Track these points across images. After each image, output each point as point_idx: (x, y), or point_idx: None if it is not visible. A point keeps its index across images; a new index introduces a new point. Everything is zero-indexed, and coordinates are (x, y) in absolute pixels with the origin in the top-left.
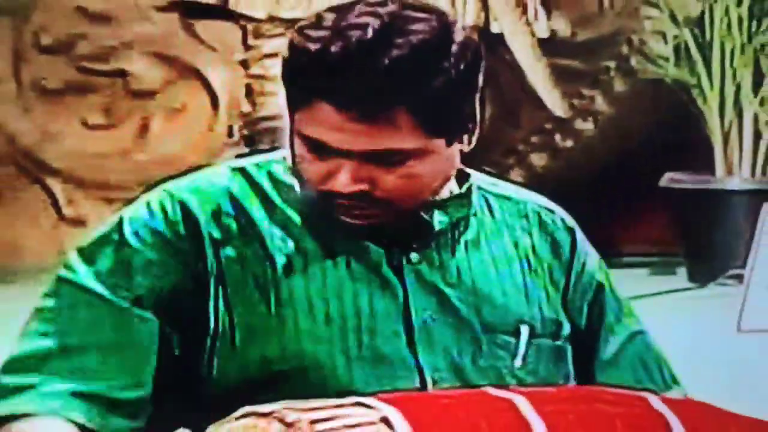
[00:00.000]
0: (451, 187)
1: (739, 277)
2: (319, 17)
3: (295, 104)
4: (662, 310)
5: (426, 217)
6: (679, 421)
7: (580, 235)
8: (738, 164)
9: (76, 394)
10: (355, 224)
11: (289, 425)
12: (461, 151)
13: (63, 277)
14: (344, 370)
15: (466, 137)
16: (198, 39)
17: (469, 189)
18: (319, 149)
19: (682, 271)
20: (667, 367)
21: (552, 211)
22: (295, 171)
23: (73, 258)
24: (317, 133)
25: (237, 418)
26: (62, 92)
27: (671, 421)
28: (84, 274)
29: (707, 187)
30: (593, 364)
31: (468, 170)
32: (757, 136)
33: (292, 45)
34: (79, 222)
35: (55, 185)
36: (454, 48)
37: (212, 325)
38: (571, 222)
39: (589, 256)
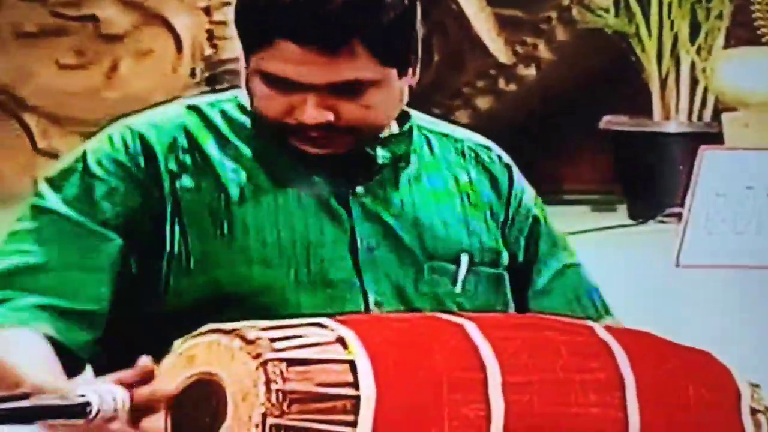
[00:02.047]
0: (392, 127)
1: (678, 216)
2: None
3: (253, 46)
4: (603, 246)
5: (370, 151)
6: (622, 348)
7: (516, 171)
8: (675, 109)
9: (43, 307)
10: (316, 154)
11: (250, 342)
12: (410, 87)
13: (34, 203)
14: (293, 293)
15: (411, 70)
16: None
17: (410, 128)
18: (282, 85)
19: (622, 209)
20: (599, 298)
21: (489, 149)
22: (253, 109)
23: (43, 186)
24: (280, 70)
25: (201, 334)
26: (38, 35)
27: (614, 348)
28: (53, 200)
29: (645, 129)
30: (527, 294)
31: (409, 110)
32: (694, 82)
33: None
34: (52, 154)
35: (31, 120)
36: None
37: (168, 248)
38: (507, 159)
39: (526, 192)
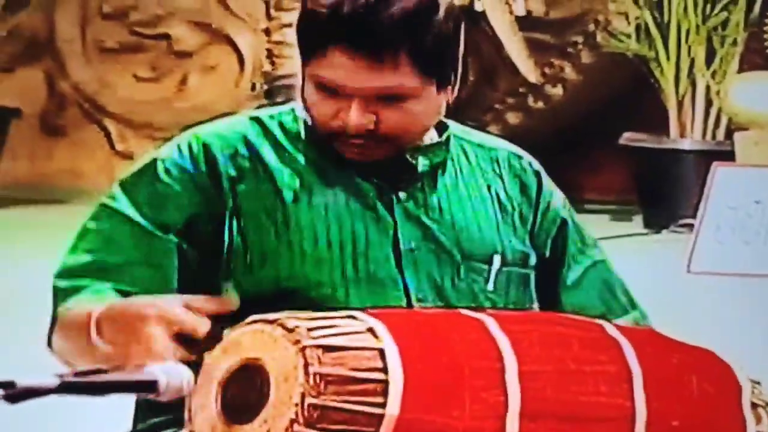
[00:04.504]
0: (432, 136)
1: (690, 226)
2: None
3: (310, 54)
4: (620, 252)
5: (411, 160)
6: (630, 344)
7: (545, 177)
8: (690, 128)
9: (120, 292)
10: (357, 160)
11: (290, 330)
12: (447, 103)
13: (105, 204)
14: (342, 289)
15: (449, 88)
16: (229, 10)
17: (448, 138)
18: (332, 90)
19: (638, 219)
20: (628, 292)
21: (520, 157)
22: (305, 116)
23: (116, 188)
24: (331, 75)
25: (247, 324)
26: (118, 51)
27: (623, 343)
28: (123, 203)
29: (661, 146)
30: (558, 289)
31: (447, 121)
32: (709, 103)
33: (306, 7)
34: (128, 156)
35: (110, 125)
36: (441, 9)
37: (226, 247)
38: (537, 166)
39: (554, 196)
